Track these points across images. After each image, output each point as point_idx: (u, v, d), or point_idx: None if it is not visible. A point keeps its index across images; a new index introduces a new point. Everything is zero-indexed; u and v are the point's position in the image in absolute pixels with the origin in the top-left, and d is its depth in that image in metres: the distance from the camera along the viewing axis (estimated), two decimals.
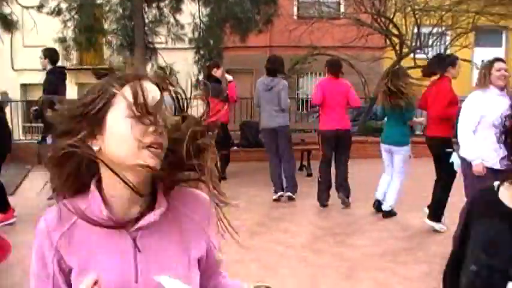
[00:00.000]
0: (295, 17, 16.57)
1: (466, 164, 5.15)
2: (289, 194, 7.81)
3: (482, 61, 15.53)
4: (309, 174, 9.99)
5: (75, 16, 11.99)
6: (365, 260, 5.44)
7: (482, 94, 5.16)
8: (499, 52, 18.40)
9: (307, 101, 17.01)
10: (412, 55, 13.60)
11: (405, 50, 13.47)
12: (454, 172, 5.93)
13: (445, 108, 6.10)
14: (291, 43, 14.41)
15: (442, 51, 13.86)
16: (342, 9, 15.26)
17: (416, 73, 12.36)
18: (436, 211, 6.28)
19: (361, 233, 6.40)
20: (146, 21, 12.48)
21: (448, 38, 14.19)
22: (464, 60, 9.55)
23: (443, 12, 12.76)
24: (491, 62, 5.26)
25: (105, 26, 13.01)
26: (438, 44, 14.28)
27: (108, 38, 13.13)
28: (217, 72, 8.86)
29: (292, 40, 13.94)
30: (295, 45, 14.49)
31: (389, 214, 6.91)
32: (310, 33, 13.61)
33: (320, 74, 16.83)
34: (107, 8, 12.73)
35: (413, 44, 13.70)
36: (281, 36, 14.69)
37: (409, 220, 6.80)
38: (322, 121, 7.60)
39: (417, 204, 6.99)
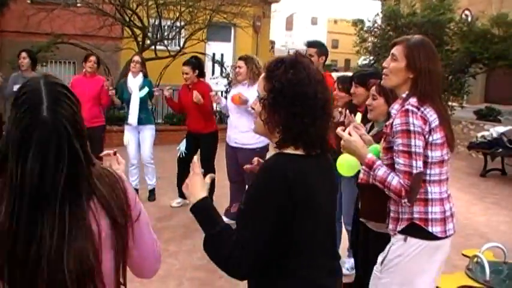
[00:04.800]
0: (28, 1, 15.47)
1: None
2: None
3: (214, 54, 17.00)
4: None
5: None
6: None
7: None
8: (228, 46, 20.20)
9: None
10: (153, 47, 14.06)
11: (147, 41, 13.87)
12: None
13: None
14: (29, 29, 13.71)
15: (182, 44, 14.63)
16: None
17: (158, 64, 13.02)
18: None
19: None
20: None
21: (186, 32, 14.92)
22: (199, 53, 10.36)
23: (183, 8, 13.48)
24: None
25: None
26: (177, 37, 14.96)
27: None
28: None
29: (31, 26, 13.28)
30: (33, 31, 13.82)
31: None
32: (51, 21, 13.11)
33: (65, 63, 16.39)
34: None
35: (155, 36, 14.18)
36: (18, 22, 13.85)
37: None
38: None
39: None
